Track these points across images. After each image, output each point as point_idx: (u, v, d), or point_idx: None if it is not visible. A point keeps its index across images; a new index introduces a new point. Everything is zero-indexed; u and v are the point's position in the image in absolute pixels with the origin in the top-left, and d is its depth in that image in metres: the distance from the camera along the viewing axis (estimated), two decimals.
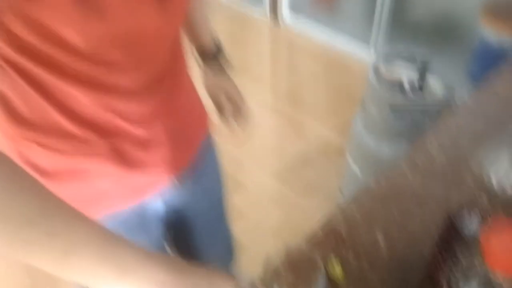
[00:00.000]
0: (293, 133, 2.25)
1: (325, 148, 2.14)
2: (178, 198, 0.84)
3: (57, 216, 0.42)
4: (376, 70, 1.53)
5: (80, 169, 0.65)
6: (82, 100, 0.58)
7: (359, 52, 2.76)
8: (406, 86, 1.50)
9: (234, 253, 1.13)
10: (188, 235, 0.95)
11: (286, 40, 3.03)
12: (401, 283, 0.69)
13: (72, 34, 0.49)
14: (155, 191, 0.77)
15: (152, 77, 0.64)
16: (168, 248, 0.96)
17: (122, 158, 0.66)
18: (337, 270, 0.70)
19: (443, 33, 2.29)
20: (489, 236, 0.57)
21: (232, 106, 1.00)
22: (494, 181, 0.84)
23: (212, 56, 0.95)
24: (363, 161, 1.58)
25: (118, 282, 0.44)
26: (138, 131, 0.66)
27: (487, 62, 1.75)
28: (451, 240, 0.63)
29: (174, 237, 0.95)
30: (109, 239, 0.45)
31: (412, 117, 1.51)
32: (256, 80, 2.63)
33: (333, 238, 0.77)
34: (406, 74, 1.55)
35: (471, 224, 0.62)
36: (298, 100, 2.47)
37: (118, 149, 0.65)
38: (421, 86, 1.53)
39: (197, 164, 0.85)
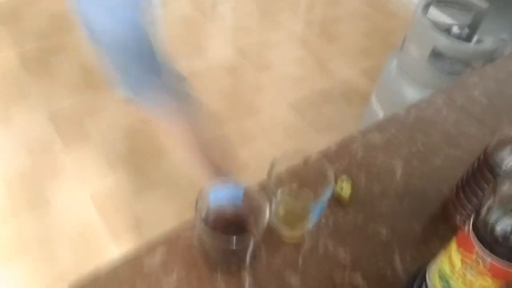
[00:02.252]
0: (318, 68, 2.14)
1: (349, 89, 2.04)
2: None
3: None
4: (425, 9, 1.39)
5: None
6: None
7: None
8: (455, 31, 1.38)
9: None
10: None
11: None
12: (411, 214, 0.64)
13: None
14: None
15: None
16: None
17: None
18: (345, 188, 0.65)
19: None
20: None
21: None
22: None
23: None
24: (389, 104, 1.49)
25: None
26: None
27: None
28: (482, 176, 0.56)
29: None
30: None
31: (453, 65, 1.39)
32: (291, 7, 2.47)
33: (347, 156, 0.71)
34: (457, 20, 1.42)
35: (507, 161, 0.55)
36: (331, 36, 2.33)
37: None
38: (470, 35, 1.40)
39: None
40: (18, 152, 1.66)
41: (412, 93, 1.39)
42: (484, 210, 0.42)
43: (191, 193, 1.70)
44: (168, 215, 1.51)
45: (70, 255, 1.40)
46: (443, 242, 0.51)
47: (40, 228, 1.46)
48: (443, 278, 0.48)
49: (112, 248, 1.43)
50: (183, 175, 1.64)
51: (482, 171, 0.57)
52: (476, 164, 0.58)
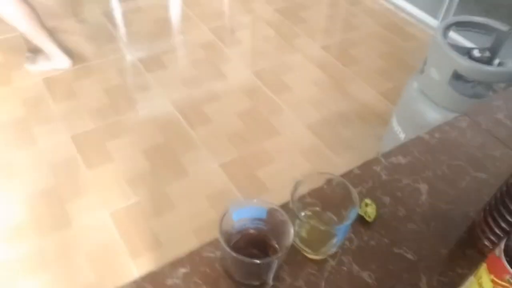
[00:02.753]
0: (336, 90, 2.14)
1: (367, 111, 2.04)
2: None
3: None
4: (446, 32, 1.40)
5: None
6: None
7: (423, 21, 2.57)
8: (476, 54, 1.37)
9: None
10: None
11: None
12: (437, 238, 0.63)
13: None
14: None
15: None
16: None
17: None
18: (369, 211, 0.64)
19: None
20: None
21: None
22: None
23: None
24: (410, 126, 1.48)
25: None
26: None
27: None
28: (511, 200, 0.55)
29: None
30: None
31: (475, 88, 1.38)
32: (307, 32, 2.50)
33: (370, 180, 0.71)
34: (477, 43, 1.41)
35: None
36: (348, 59, 2.34)
37: None
38: (491, 58, 1.39)
39: None
40: (42, 172, 1.70)
41: (433, 116, 1.38)
42: None
43: (211, 213, 1.73)
44: (188, 236, 1.51)
45: (89, 274, 1.41)
46: (471, 267, 0.50)
47: (61, 246, 1.48)
48: None
49: (132, 268, 1.43)
50: (203, 196, 1.64)
51: (511, 194, 0.55)
52: (504, 187, 0.57)
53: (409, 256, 0.61)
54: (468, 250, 0.61)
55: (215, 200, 1.63)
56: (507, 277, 0.41)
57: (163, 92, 2.07)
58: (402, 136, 1.54)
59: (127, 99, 2.04)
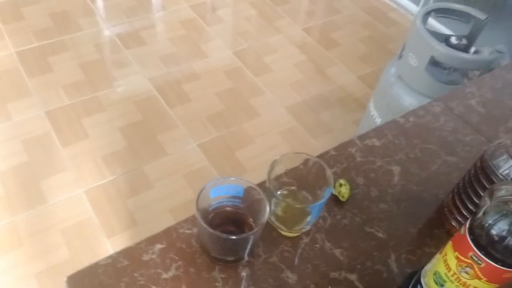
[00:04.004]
0: (317, 73, 2.15)
1: (346, 94, 2.05)
2: None
3: None
4: (424, 18, 1.41)
5: None
6: None
7: (405, 7, 2.59)
8: (454, 41, 1.40)
9: None
10: None
11: None
12: (407, 217, 0.65)
13: None
14: None
15: None
16: None
17: None
18: (343, 191, 0.66)
19: (499, 1, 2.11)
20: None
21: None
22: None
23: None
24: (386, 111, 1.51)
25: None
26: None
27: None
28: (478, 183, 0.58)
29: None
30: None
31: (451, 74, 1.41)
32: (290, 13, 2.49)
33: (345, 161, 0.72)
34: (455, 30, 1.44)
35: (503, 169, 0.56)
36: (330, 42, 2.34)
37: None
38: (468, 46, 1.42)
39: None
40: (15, 148, 1.66)
41: (409, 101, 1.41)
42: (480, 214, 0.43)
43: (188, 193, 1.72)
44: (164, 215, 1.51)
45: (64, 251, 1.40)
46: (438, 246, 0.52)
47: (35, 223, 1.46)
48: (438, 281, 0.49)
49: (107, 245, 1.43)
50: (181, 175, 1.64)
51: (478, 178, 0.58)
52: (472, 171, 0.59)
53: (380, 234, 0.63)
54: (436, 230, 0.64)
55: (193, 180, 1.63)
56: (470, 253, 0.43)
57: (142, 69, 2.04)
58: (378, 120, 1.57)
59: (104, 75, 1.99)
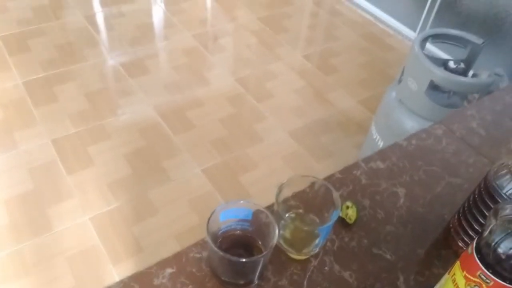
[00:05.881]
0: (318, 98, 2.19)
1: (346, 119, 2.08)
2: None
3: None
4: (422, 44, 1.45)
5: None
6: None
7: (402, 33, 2.65)
8: (452, 65, 1.43)
9: None
10: None
11: (329, 5, 2.91)
12: (414, 239, 0.66)
13: None
14: None
15: None
16: None
17: None
18: (350, 212, 0.67)
19: (495, 25, 2.16)
20: None
21: None
22: None
23: None
24: (388, 134, 1.53)
25: None
26: None
27: None
28: (483, 203, 0.59)
29: None
30: None
31: (451, 98, 1.44)
32: (289, 41, 2.55)
33: (350, 183, 0.73)
34: (452, 55, 1.47)
35: (507, 189, 0.58)
36: (329, 68, 2.39)
37: None
38: (466, 69, 1.45)
39: None
40: (22, 176, 1.67)
41: (411, 124, 1.43)
42: (486, 233, 0.44)
43: (193, 218, 1.73)
44: (170, 241, 1.51)
45: (70, 279, 1.39)
46: (446, 267, 0.53)
47: (40, 250, 1.45)
48: None
49: (113, 273, 1.42)
50: (185, 201, 1.65)
51: (483, 198, 0.59)
52: (477, 191, 0.60)
53: (388, 256, 0.63)
54: (444, 251, 0.65)
55: (197, 205, 1.64)
56: (478, 272, 0.44)
57: (145, 97, 2.07)
58: (381, 144, 1.59)
59: (108, 103, 2.03)
